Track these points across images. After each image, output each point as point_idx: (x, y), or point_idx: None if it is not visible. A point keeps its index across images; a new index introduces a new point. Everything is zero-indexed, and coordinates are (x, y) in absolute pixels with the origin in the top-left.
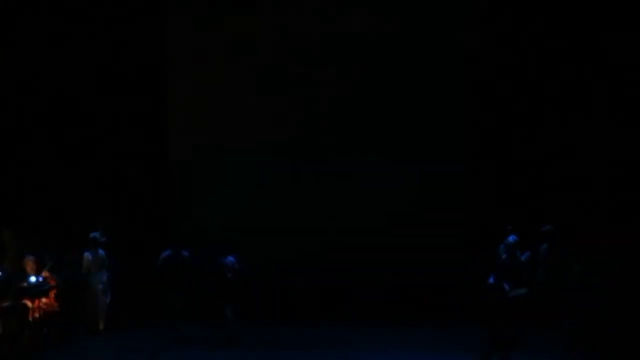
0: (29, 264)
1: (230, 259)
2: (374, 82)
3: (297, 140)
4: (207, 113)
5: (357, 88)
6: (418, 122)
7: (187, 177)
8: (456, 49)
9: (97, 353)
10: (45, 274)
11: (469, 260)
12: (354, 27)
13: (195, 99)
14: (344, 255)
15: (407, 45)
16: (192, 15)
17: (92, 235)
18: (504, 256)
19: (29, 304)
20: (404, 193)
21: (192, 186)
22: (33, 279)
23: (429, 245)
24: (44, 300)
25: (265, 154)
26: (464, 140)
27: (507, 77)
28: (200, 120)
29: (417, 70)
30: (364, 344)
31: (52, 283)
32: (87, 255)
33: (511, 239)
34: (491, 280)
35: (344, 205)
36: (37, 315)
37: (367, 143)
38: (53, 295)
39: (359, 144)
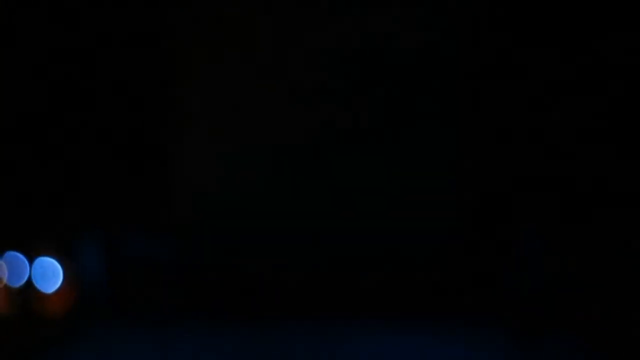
0: None
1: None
2: (373, 81)
3: (296, 139)
4: (208, 114)
5: (357, 87)
6: (414, 120)
7: (187, 177)
8: (455, 53)
9: (98, 352)
10: None
11: (468, 249)
12: (355, 29)
13: (197, 101)
14: (341, 251)
15: (406, 47)
16: (192, 13)
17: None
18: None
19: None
20: (400, 187)
21: (192, 185)
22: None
23: (427, 234)
24: (45, 298)
25: (264, 154)
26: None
27: (506, 76)
28: (202, 121)
29: (415, 69)
30: (366, 334)
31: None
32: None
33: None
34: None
35: (341, 202)
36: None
37: (366, 140)
38: (55, 294)
39: (357, 143)
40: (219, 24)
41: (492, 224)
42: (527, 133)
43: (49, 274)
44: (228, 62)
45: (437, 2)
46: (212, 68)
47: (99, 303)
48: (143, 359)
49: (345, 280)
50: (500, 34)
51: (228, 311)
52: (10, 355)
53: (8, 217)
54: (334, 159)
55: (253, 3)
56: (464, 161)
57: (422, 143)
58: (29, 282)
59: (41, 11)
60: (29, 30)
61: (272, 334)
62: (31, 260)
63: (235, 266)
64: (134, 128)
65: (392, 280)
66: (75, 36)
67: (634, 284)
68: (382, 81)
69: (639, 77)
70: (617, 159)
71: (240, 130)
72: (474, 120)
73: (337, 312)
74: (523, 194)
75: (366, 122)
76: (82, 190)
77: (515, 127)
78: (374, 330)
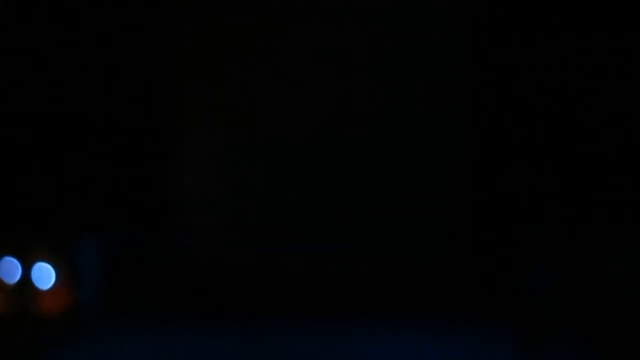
0: None
1: None
2: (373, 80)
3: (295, 138)
4: (208, 112)
5: (358, 86)
6: (416, 120)
7: (185, 176)
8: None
9: (97, 353)
10: None
11: (468, 249)
12: (356, 28)
13: (196, 98)
14: (337, 247)
15: (406, 45)
16: (192, 12)
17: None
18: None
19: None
20: (400, 185)
21: (191, 186)
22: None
23: (427, 235)
24: (44, 299)
25: (263, 152)
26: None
27: (508, 75)
28: (201, 119)
29: (416, 67)
30: (366, 334)
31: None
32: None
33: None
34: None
35: (340, 202)
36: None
37: (367, 142)
38: (53, 295)
39: (358, 144)
40: (219, 25)
41: (495, 226)
42: (528, 136)
43: (46, 276)
44: (228, 64)
45: (439, 7)
46: (210, 69)
47: (98, 303)
48: (143, 359)
49: (345, 281)
50: (503, 39)
51: (228, 311)
52: (9, 355)
53: (6, 220)
54: (335, 160)
55: (253, 3)
56: (466, 163)
57: (424, 145)
58: (27, 284)
59: (40, 11)
60: (27, 31)
61: (272, 334)
62: (30, 264)
63: (236, 267)
64: (132, 130)
65: (393, 280)
66: (75, 37)
67: (635, 287)
68: (383, 85)
69: None
70: (618, 161)
71: (241, 130)
72: (475, 125)
73: (337, 312)
74: (526, 196)
75: (367, 124)
76: (80, 192)
77: (516, 132)
78: (375, 330)
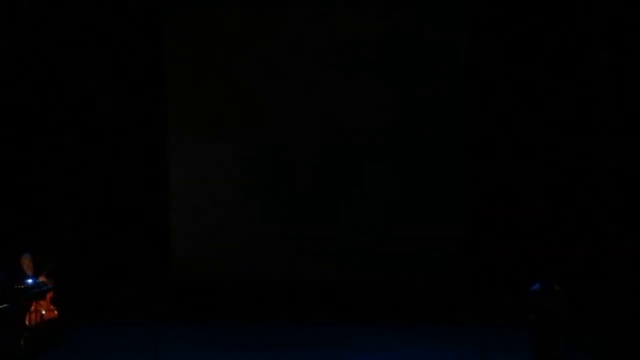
0: (25, 261)
1: None
2: (375, 79)
3: (297, 139)
4: (207, 111)
5: (359, 85)
6: (419, 121)
7: (184, 177)
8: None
9: (95, 354)
10: (42, 278)
11: (468, 257)
12: (356, 27)
13: (195, 98)
14: (341, 254)
15: (409, 44)
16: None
17: None
18: None
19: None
20: (404, 191)
21: (190, 187)
22: (30, 280)
23: (428, 242)
24: (41, 302)
25: (265, 153)
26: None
27: (511, 71)
28: (200, 118)
29: (418, 66)
30: (365, 344)
31: (50, 286)
32: None
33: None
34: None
35: (342, 206)
36: (34, 317)
37: (370, 143)
38: (49, 298)
39: (361, 144)
40: (215, 19)
41: (502, 237)
42: (528, 149)
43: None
44: (229, 68)
45: (442, 15)
46: (209, 73)
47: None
48: None
49: (351, 288)
50: (511, 52)
51: (229, 317)
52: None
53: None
54: (342, 170)
55: (251, 3)
56: (472, 174)
57: (431, 157)
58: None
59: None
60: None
61: (273, 339)
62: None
63: (236, 272)
64: (126, 134)
65: (399, 288)
66: (77, 51)
67: None
68: (388, 84)
69: None
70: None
71: (244, 137)
72: (482, 135)
73: (342, 321)
74: (531, 208)
75: (374, 138)
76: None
77: (519, 144)
78: (380, 339)
